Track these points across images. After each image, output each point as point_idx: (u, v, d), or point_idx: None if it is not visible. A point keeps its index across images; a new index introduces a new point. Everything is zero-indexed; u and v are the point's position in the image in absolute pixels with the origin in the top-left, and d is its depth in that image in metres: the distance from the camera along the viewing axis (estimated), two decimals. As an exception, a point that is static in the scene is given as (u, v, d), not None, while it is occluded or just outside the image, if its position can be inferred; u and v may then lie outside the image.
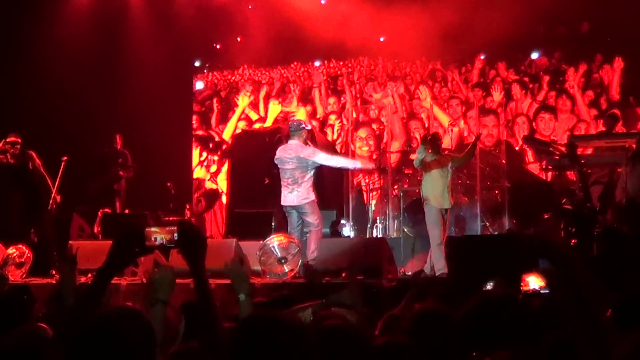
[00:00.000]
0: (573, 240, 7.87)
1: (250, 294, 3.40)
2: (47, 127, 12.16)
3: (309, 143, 9.45)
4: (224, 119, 15.76)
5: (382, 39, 14.32)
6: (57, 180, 10.38)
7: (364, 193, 13.29)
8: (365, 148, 14.22)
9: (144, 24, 14.18)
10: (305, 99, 15.31)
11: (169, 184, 12.65)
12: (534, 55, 14.10)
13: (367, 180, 13.71)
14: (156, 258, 8.07)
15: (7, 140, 10.37)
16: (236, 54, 15.35)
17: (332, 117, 15.00)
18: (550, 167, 10.62)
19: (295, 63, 15.54)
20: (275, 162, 9.24)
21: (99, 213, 11.11)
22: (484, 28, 12.36)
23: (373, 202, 12.38)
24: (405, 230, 11.03)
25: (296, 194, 9.07)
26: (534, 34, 13.61)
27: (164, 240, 2.61)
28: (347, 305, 3.45)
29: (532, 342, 2.41)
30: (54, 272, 9.42)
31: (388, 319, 3.79)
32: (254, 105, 15.62)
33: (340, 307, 3.43)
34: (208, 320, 2.53)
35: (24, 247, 9.58)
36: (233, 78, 15.95)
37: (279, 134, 10.34)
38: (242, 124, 15.52)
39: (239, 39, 15.24)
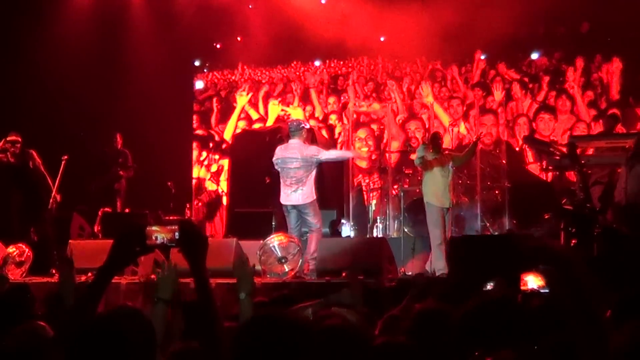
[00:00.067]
0: (573, 241, 7.87)
1: (251, 294, 3.40)
2: (48, 127, 12.17)
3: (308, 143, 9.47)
4: (223, 119, 15.76)
5: (382, 39, 14.32)
6: (57, 179, 10.38)
7: (364, 193, 13.28)
8: (365, 149, 14.22)
9: (144, 24, 14.19)
10: (306, 98, 15.31)
11: (169, 184, 12.65)
12: (534, 56, 14.10)
13: (367, 180, 13.72)
14: (156, 257, 8.09)
15: (8, 139, 10.38)
16: (236, 54, 15.35)
17: (333, 117, 15.00)
18: (550, 168, 10.62)
19: (295, 63, 15.54)
20: (276, 162, 9.21)
21: (99, 212, 11.11)
22: (484, 28, 12.36)
23: (373, 201, 12.39)
24: (406, 230, 11.03)
25: (301, 192, 9.08)
26: (533, 34, 13.61)
27: (165, 239, 2.61)
28: (347, 304, 3.45)
29: (531, 342, 2.41)
30: (53, 271, 9.43)
31: (388, 319, 3.79)
32: (253, 104, 15.62)
33: (341, 307, 3.43)
34: (208, 320, 2.53)
35: (24, 246, 9.58)
36: (233, 78, 15.95)
37: (280, 134, 10.33)
38: (242, 124, 15.53)
39: (239, 39, 15.24)
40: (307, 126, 9.68)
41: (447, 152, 9.99)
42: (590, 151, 10.28)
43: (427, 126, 13.94)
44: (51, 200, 10.32)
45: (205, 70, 16.13)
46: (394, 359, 2.62)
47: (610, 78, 13.40)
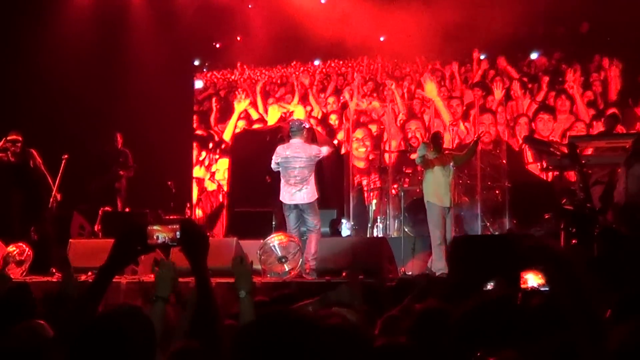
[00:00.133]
0: (573, 241, 7.87)
1: (251, 292, 3.40)
2: (48, 126, 12.17)
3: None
4: (223, 119, 15.77)
5: (382, 39, 14.32)
6: (58, 178, 10.39)
7: (365, 192, 13.29)
8: (362, 149, 14.20)
9: (144, 23, 14.20)
10: (305, 98, 15.32)
11: (169, 183, 12.66)
12: (534, 56, 14.10)
13: (367, 180, 13.72)
14: (156, 257, 8.09)
15: (8, 138, 10.38)
16: (236, 53, 15.36)
17: (333, 117, 14.99)
18: (550, 168, 10.62)
19: (295, 63, 15.54)
20: (277, 161, 9.19)
21: (100, 211, 11.11)
22: (483, 28, 12.36)
23: (374, 201, 12.38)
24: (406, 230, 11.03)
25: (306, 192, 9.09)
26: (533, 34, 13.62)
27: (166, 238, 2.62)
28: (346, 301, 3.44)
29: (532, 342, 2.41)
30: (53, 270, 9.44)
31: (387, 319, 3.78)
32: (253, 104, 15.63)
33: (341, 306, 3.43)
34: (209, 319, 2.54)
35: (24, 245, 9.58)
36: (232, 77, 15.95)
37: (281, 133, 10.33)
38: (241, 123, 15.54)
39: (238, 38, 15.25)
40: (307, 125, 9.69)
41: (447, 151, 9.98)
42: (590, 151, 10.28)
43: (427, 125, 13.95)
44: (51, 200, 10.32)
45: (204, 70, 16.13)
46: None
47: (610, 78, 13.40)
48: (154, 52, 13.97)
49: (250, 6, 14.71)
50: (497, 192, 11.70)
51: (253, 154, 11.89)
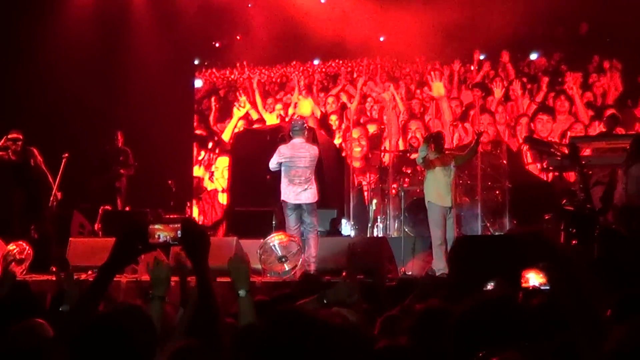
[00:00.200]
0: (574, 241, 7.88)
1: (250, 291, 3.41)
2: (49, 125, 12.17)
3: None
4: (222, 118, 15.78)
5: (381, 39, 14.32)
6: (58, 177, 10.39)
7: (365, 192, 13.29)
8: (358, 149, 14.18)
9: (145, 22, 14.20)
10: (304, 98, 15.33)
11: (170, 182, 12.66)
12: (533, 56, 14.10)
13: (367, 180, 13.72)
14: (157, 256, 8.09)
15: (9, 136, 10.38)
16: (235, 53, 15.37)
17: (333, 117, 14.99)
18: (551, 168, 10.63)
19: (294, 62, 15.54)
20: (282, 160, 9.16)
21: (100, 210, 11.11)
22: (483, 28, 12.37)
23: (374, 201, 12.38)
24: (406, 230, 11.03)
25: (310, 191, 9.11)
26: (533, 35, 13.62)
27: (168, 237, 2.62)
28: (345, 300, 3.43)
29: (532, 341, 2.41)
30: (54, 269, 9.44)
31: (387, 319, 3.79)
32: (252, 103, 15.64)
33: (340, 305, 3.42)
34: (210, 317, 2.54)
35: (24, 244, 9.57)
36: (232, 76, 15.96)
37: (281, 133, 10.32)
38: (240, 123, 15.55)
39: (238, 38, 15.25)
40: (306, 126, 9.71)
41: (448, 151, 9.98)
42: (588, 151, 10.29)
43: (427, 125, 13.95)
44: (52, 198, 10.32)
45: (203, 69, 16.13)
46: None
47: (609, 79, 13.40)
48: (154, 51, 13.97)
49: (250, 5, 14.71)
50: (497, 192, 11.69)
51: (253, 154, 11.88)
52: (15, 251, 9.40)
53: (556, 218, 8.64)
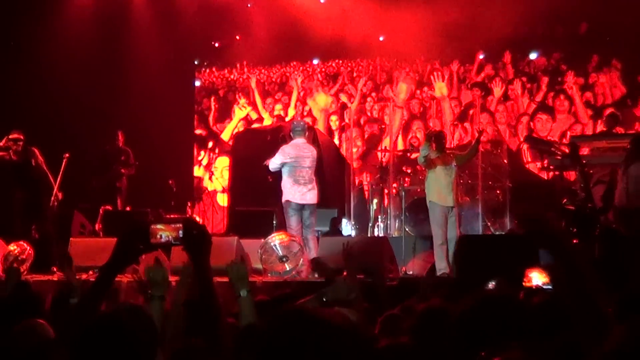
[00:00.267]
0: (574, 241, 7.88)
1: (250, 291, 3.41)
2: (49, 125, 12.18)
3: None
4: (221, 118, 15.78)
5: (381, 38, 14.32)
6: (59, 177, 10.39)
7: (366, 192, 13.29)
8: (355, 149, 14.16)
9: (145, 22, 14.20)
10: (304, 98, 15.33)
11: (170, 182, 12.66)
12: (533, 56, 14.10)
13: (368, 179, 13.72)
14: (157, 256, 8.09)
15: (10, 137, 10.38)
16: (235, 52, 15.37)
17: (334, 117, 14.99)
18: (552, 167, 10.62)
19: (294, 62, 15.54)
20: (287, 160, 9.13)
21: (100, 210, 11.11)
22: (483, 28, 12.37)
23: (374, 201, 12.37)
24: (407, 229, 11.02)
25: (314, 192, 9.13)
26: (532, 34, 13.61)
27: (170, 237, 2.62)
28: (344, 298, 3.44)
29: (533, 340, 2.41)
30: (54, 269, 9.44)
31: (387, 318, 3.79)
32: (252, 103, 15.64)
33: (340, 304, 3.43)
34: (212, 317, 2.54)
35: (25, 244, 9.58)
36: (231, 76, 15.96)
37: (282, 132, 10.32)
38: (240, 123, 15.56)
39: (237, 37, 15.26)
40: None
41: (449, 151, 9.98)
42: (586, 150, 10.29)
43: (427, 124, 13.94)
44: (52, 198, 10.32)
45: (203, 69, 16.13)
46: None
47: (609, 78, 13.39)
48: (154, 51, 13.98)
49: (249, 5, 14.71)
50: (498, 192, 11.69)
51: (254, 154, 11.87)
52: (16, 251, 9.41)
53: (557, 217, 8.64)
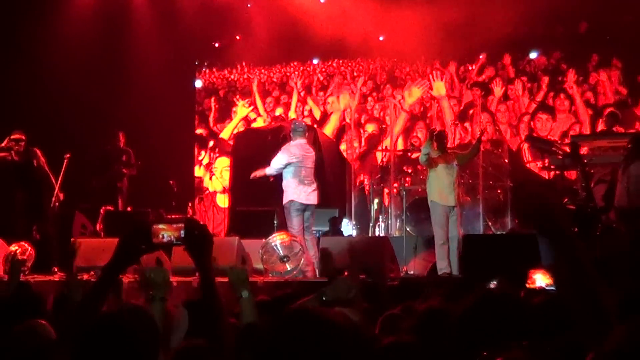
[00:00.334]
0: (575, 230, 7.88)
1: (251, 291, 3.41)
2: (50, 125, 12.18)
3: None
4: (222, 118, 15.79)
5: (381, 38, 14.31)
6: (60, 177, 10.39)
7: (367, 192, 13.29)
8: (349, 151, 14.14)
9: (146, 22, 14.21)
10: (304, 98, 15.33)
11: (171, 182, 12.66)
12: (533, 55, 14.09)
13: (369, 179, 13.73)
14: (159, 256, 8.09)
15: (12, 137, 10.38)
16: (235, 53, 15.37)
17: (335, 117, 14.99)
18: (552, 167, 10.63)
19: (295, 62, 15.54)
20: (292, 160, 9.12)
21: (101, 211, 11.12)
22: (483, 27, 12.36)
23: (376, 200, 12.38)
24: (408, 229, 11.03)
25: (316, 193, 9.12)
26: (532, 34, 13.60)
27: (172, 237, 2.62)
28: (344, 297, 3.44)
29: (534, 339, 2.41)
30: (55, 270, 9.45)
31: (388, 317, 3.79)
32: (252, 103, 15.64)
33: (340, 303, 3.43)
34: (214, 317, 2.55)
35: (26, 244, 9.58)
36: (232, 77, 15.97)
37: (283, 132, 10.33)
38: (240, 123, 15.57)
39: (238, 38, 15.26)
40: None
41: (450, 150, 9.98)
42: (585, 149, 10.29)
43: (428, 122, 13.94)
44: (53, 199, 10.33)
45: (203, 69, 16.14)
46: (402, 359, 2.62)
47: (609, 78, 13.39)
48: (155, 52, 13.98)
49: (249, 5, 14.71)
50: (499, 191, 11.70)
51: (255, 153, 11.88)
52: (17, 252, 9.41)
53: (561, 207, 8.63)
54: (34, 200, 10.39)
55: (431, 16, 12.39)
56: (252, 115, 15.57)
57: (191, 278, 7.72)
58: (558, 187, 10.50)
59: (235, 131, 15.29)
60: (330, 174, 12.09)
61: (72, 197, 10.85)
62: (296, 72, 15.49)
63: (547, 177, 12.57)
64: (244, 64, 15.76)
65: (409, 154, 12.77)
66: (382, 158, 12.54)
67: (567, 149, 9.77)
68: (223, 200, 14.67)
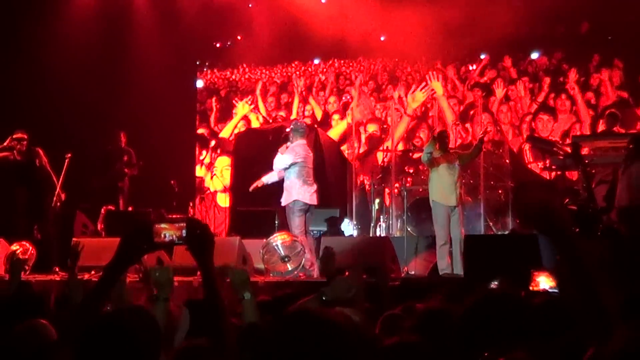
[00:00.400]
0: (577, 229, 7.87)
1: (253, 293, 3.41)
2: (51, 125, 12.18)
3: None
4: (223, 118, 15.79)
5: (382, 38, 14.31)
6: (61, 177, 10.39)
7: (368, 192, 13.29)
8: (349, 151, 14.14)
9: (147, 23, 14.21)
10: (305, 98, 15.32)
11: (172, 182, 12.66)
12: (534, 55, 14.08)
13: (370, 179, 13.73)
14: (159, 256, 8.08)
15: (14, 136, 10.38)
16: (236, 53, 15.37)
17: (336, 116, 14.98)
18: (554, 167, 10.62)
19: (296, 63, 15.54)
20: (298, 160, 9.10)
21: (102, 210, 11.12)
22: (484, 28, 12.35)
23: (377, 200, 12.37)
24: (409, 229, 11.02)
25: (316, 194, 9.11)
26: (534, 34, 13.58)
27: (174, 236, 2.62)
28: (344, 297, 3.43)
29: (534, 339, 2.41)
30: (56, 269, 9.45)
31: (388, 317, 3.78)
32: (253, 103, 15.64)
33: (340, 302, 3.42)
34: (216, 317, 2.54)
35: (27, 244, 9.59)
36: (233, 77, 15.97)
37: (284, 133, 10.32)
38: (240, 123, 15.56)
39: (239, 38, 15.26)
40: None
41: (452, 150, 9.98)
42: (586, 150, 10.28)
43: (429, 122, 13.93)
44: (55, 199, 10.33)
45: (205, 69, 16.14)
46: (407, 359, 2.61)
47: (610, 78, 13.37)
48: (156, 52, 13.98)
49: (250, 5, 14.71)
50: (500, 191, 11.70)
51: (256, 153, 11.89)
52: (18, 251, 9.42)
53: (562, 207, 8.63)
54: (36, 199, 10.40)
55: (432, 16, 12.38)
56: (253, 117, 15.56)
57: (192, 278, 7.73)
58: (559, 187, 10.50)
59: (236, 131, 15.29)
60: (331, 174, 12.09)
61: (73, 196, 10.85)
62: (297, 72, 15.48)
63: (548, 178, 12.57)
64: (245, 65, 15.75)
65: (411, 154, 12.76)
66: (384, 158, 12.52)
67: (568, 150, 9.77)
68: (224, 200, 14.68)
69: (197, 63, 16.10)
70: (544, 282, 5.58)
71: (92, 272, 8.20)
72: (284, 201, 9.22)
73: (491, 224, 11.23)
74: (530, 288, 5.63)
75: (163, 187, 12.72)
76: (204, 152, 15.72)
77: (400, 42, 13.56)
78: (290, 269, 8.84)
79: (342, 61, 15.25)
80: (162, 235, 2.62)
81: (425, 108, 14.38)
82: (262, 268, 8.92)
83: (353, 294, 3.41)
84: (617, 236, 7.72)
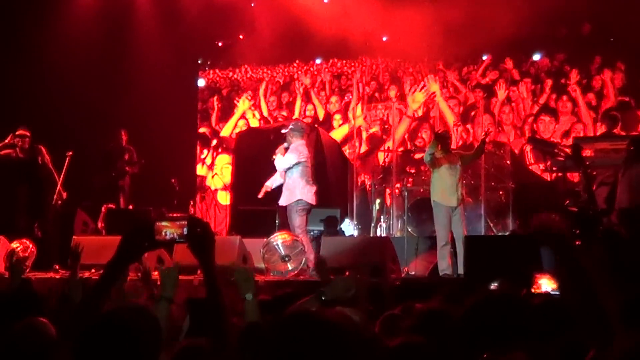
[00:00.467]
0: (577, 242, 7.86)
1: (255, 294, 3.41)
2: (53, 123, 12.19)
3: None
4: (224, 117, 15.79)
5: (384, 38, 14.31)
6: (62, 175, 10.39)
7: (368, 192, 13.29)
8: (350, 150, 14.13)
9: (149, 21, 14.22)
10: (307, 98, 15.32)
11: (173, 180, 12.66)
12: (536, 57, 14.07)
13: (370, 180, 13.73)
14: (160, 254, 8.09)
15: (16, 133, 10.38)
16: (238, 52, 15.37)
17: (337, 116, 14.98)
18: (555, 169, 10.61)
19: (297, 62, 15.54)
20: (302, 160, 9.07)
21: (103, 208, 11.13)
22: (486, 29, 12.34)
23: (377, 200, 12.37)
24: (409, 229, 11.02)
25: (316, 194, 9.10)
26: (535, 35, 13.57)
27: (175, 234, 2.62)
28: (343, 297, 3.43)
29: (534, 340, 2.41)
30: (57, 267, 9.45)
31: (387, 318, 3.78)
32: (253, 104, 15.65)
33: (339, 302, 3.42)
34: (217, 316, 2.54)
35: (27, 242, 9.59)
36: (234, 76, 15.97)
37: (284, 133, 10.32)
38: (241, 123, 15.57)
39: (241, 37, 15.26)
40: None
41: (454, 151, 9.98)
42: (589, 152, 10.27)
43: (429, 117, 13.92)
44: (55, 196, 10.33)
45: (206, 68, 16.14)
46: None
47: (612, 79, 13.36)
48: (158, 51, 13.99)
49: (252, 5, 14.71)
50: (500, 192, 11.69)
51: (257, 152, 11.88)
52: (18, 249, 9.42)
53: (563, 220, 8.61)
54: (37, 197, 10.40)
55: (434, 17, 12.37)
56: (250, 114, 15.57)
57: (192, 276, 7.74)
58: (560, 189, 10.49)
59: (237, 129, 15.30)
60: (332, 173, 12.09)
61: (74, 194, 10.86)
62: (299, 72, 15.48)
63: (549, 179, 12.56)
64: (247, 65, 15.75)
65: (412, 154, 12.75)
66: (384, 158, 12.51)
67: (569, 151, 9.77)
68: (224, 198, 14.68)
69: (199, 62, 16.10)
70: (546, 284, 5.57)
71: (92, 271, 8.21)
72: (284, 201, 9.17)
73: (492, 224, 11.23)
74: (532, 290, 5.63)
75: (164, 185, 12.72)
76: (205, 151, 15.72)
77: (402, 42, 13.55)
78: (290, 268, 8.84)
79: (343, 61, 15.24)
80: (164, 233, 2.62)
81: (426, 109, 14.38)
82: (262, 267, 8.92)
83: (352, 293, 3.40)
84: (617, 238, 7.72)
